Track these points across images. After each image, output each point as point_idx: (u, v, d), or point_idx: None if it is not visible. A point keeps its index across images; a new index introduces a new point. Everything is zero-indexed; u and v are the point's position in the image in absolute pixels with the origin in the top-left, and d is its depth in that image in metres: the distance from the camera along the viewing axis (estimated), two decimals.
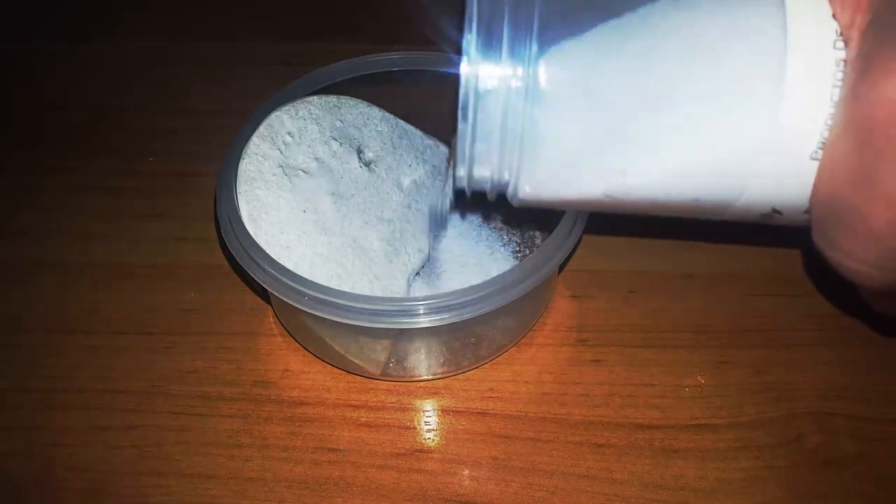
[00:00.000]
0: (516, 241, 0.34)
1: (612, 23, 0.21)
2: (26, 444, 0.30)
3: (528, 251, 0.34)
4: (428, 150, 0.35)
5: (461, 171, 0.24)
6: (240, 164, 0.29)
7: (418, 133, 0.35)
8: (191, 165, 0.40)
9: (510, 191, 0.24)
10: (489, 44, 0.22)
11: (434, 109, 0.35)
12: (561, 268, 0.32)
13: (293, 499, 0.28)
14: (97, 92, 0.45)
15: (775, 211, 0.23)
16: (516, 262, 0.27)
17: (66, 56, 0.47)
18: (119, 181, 0.39)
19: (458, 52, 0.22)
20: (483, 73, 0.22)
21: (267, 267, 0.27)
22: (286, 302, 0.27)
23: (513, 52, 0.21)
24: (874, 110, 0.18)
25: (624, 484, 0.28)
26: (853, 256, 0.20)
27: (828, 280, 0.33)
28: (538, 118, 0.22)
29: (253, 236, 0.28)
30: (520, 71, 0.21)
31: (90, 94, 0.45)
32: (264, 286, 0.27)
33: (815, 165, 0.21)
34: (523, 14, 0.21)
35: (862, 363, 0.32)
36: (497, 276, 0.26)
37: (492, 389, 0.31)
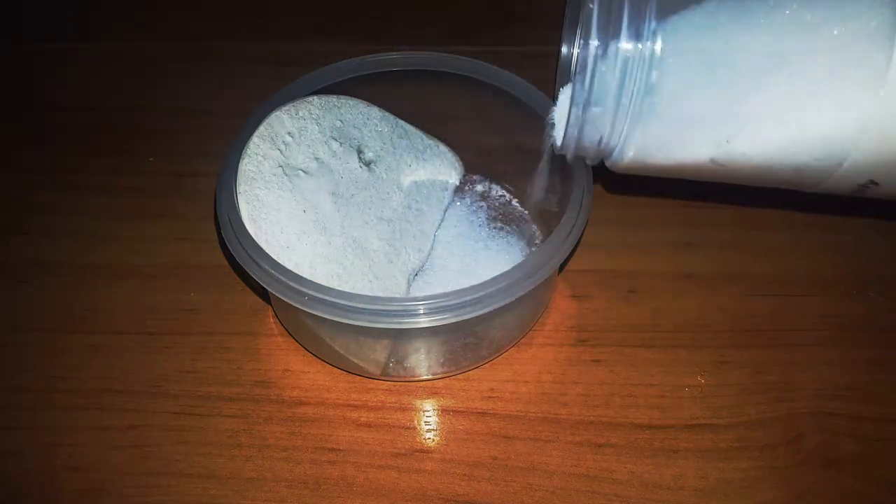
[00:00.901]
0: (516, 242, 0.34)
1: None
2: (26, 444, 0.30)
3: (528, 251, 0.34)
4: (428, 150, 0.35)
5: (572, 133, 0.24)
6: (240, 164, 0.29)
7: (418, 133, 0.35)
8: (191, 165, 0.40)
9: (615, 155, 0.25)
10: (609, 11, 0.22)
11: (434, 109, 0.35)
12: (561, 268, 0.32)
13: (293, 499, 0.28)
14: (97, 92, 0.45)
15: (872, 182, 0.24)
16: (517, 262, 0.27)
17: (66, 56, 0.47)
18: (119, 181, 0.39)
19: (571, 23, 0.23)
20: (604, 39, 0.23)
21: (267, 267, 0.27)
22: (286, 302, 0.27)
23: (632, 20, 0.22)
24: None
25: (624, 484, 0.28)
26: None
27: None
28: (654, 84, 0.22)
29: (253, 236, 0.28)
30: (639, 39, 0.22)
31: (90, 94, 0.45)
32: (264, 286, 0.27)
33: None
34: None
35: (862, 363, 0.32)
36: (497, 276, 0.26)
37: (492, 389, 0.31)
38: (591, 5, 0.23)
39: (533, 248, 0.35)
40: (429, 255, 0.33)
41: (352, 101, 0.33)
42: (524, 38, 0.47)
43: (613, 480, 0.28)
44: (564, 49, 0.23)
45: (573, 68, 0.25)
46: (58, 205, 0.38)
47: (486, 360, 0.32)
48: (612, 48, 0.22)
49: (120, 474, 0.29)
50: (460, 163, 0.36)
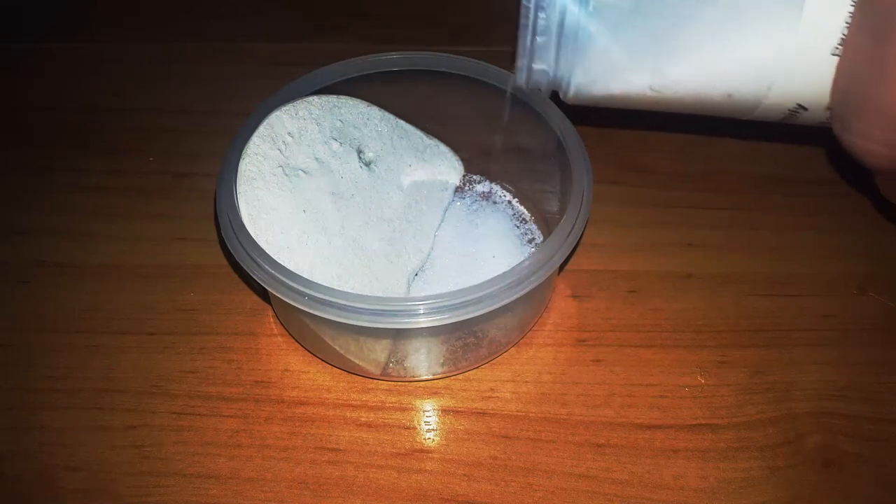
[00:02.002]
0: (516, 241, 0.34)
1: None
2: (26, 444, 0.30)
3: (528, 251, 0.34)
4: (428, 150, 0.35)
5: (522, 63, 0.27)
6: (240, 164, 0.29)
7: (418, 133, 0.35)
8: (191, 165, 0.40)
9: (563, 85, 0.27)
10: None
11: (434, 109, 0.35)
12: (561, 268, 0.32)
13: (293, 499, 0.28)
14: (97, 92, 0.45)
15: (800, 107, 0.25)
16: (517, 263, 0.27)
17: (66, 56, 0.47)
18: (119, 181, 0.39)
19: None
20: None
21: (267, 267, 0.27)
22: (286, 302, 0.27)
23: None
24: (887, 4, 0.21)
25: (624, 484, 0.28)
26: (869, 137, 0.23)
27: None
28: (592, 14, 0.24)
29: (253, 236, 0.28)
30: None
31: (90, 94, 0.45)
32: (264, 286, 0.27)
33: (835, 61, 0.23)
34: None
35: (862, 363, 0.32)
36: (497, 276, 0.26)
37: (492, 389, 0.31)
38: None
39: (533, 248, 0.35)
40: (429, 255, 0.33)
41: (352, 101, 0.33)
42: None
43: (613, 480, 0.28)
44: None
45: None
46: (58, 205, 0.38)
47: (486, 360, 0.32)
48: None
49: (119, 474, 0.29)
50: (460, 163, 0.36)
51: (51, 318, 0.34)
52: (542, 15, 0.25)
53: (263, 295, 0.34)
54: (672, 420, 0.30)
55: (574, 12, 0.25)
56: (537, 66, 0.27)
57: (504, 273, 0.26)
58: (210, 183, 0.32)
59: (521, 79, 0.28)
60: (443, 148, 0.36)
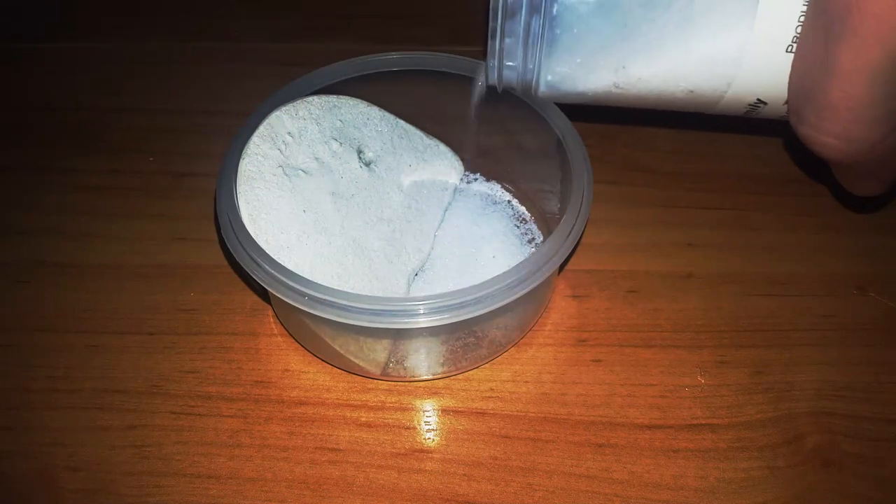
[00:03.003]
0: (516, 242, 0.34)
1: None
2: (26, 444, 0.30)
3: (528, 251, 0.34)
4: (428, 150, 0.35)
5: (492, 64, 0.28)
6: (240, 164, 0.29)
7: (418, 133, 0.35)
8: (191, 165, 0.40)
9: (534, 83, 0.28)
10: None
11: (434, 109, 0.35)
12: (561, 268, 0.32)
13: (293, 499, 0.28)
14: (97, 91, 0.45)
15: (760, 101, 0.26)
16: (517, 263, 0.27)
17: (66, 55, 0.47)
18: (119, 181, 0.39)
19: None
20: None
21: (267, 267, 0.27)
22: (286, 302, 0.27)
23: None
24: (835, 5, 0.22)
25: (624, 484, 0.28)
26: (820, 129, 0.24)
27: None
28: (556, 16, 0.25)
29: (253, 236, 0.28)
30: None
31: (89, 94, 0.45)
32: (264, 286, 0.27)
33: (790, 57, 0.24)
34: None
35: (862, 363, 0.32)
36: (497, 276, 0.26)
37: (492, 389, 0.31)
38: None
39: (533, 248, 0.35)
40: (429, 255, 0.33)
41: (352, 101, 0.33)
42: None
43: (613, 480, 0.28)
44: None
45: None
46: (58, 205, 0.38)
47: (486, 360, 0.32)
48: None
49: (119, 474, 0.29)
50: (460, 163, 0.36)
51: (51, 318, 0.34)
52: (509, 18, 0.26)
53: (263, 295, 0.34)
54: (672, 420, 0.30)
55: (539, 15, 0.25)
56: (507, 66, 0.28)
57: (504, 273, 0.26)
58: (210, 183, 0.32)
59: (492, 78, 0.29)
60: (443, 148, 0.36)
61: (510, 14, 0.26)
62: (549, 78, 0.27)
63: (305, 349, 0.32)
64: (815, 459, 0.29)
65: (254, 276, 0.27)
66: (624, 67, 0.26)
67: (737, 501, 0.28)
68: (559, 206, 0.34)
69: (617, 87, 0.27)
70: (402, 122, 0.35)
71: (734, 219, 0.37)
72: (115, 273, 0.35)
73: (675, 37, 0.25)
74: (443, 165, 0.36)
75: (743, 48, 0.24)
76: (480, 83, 0.32)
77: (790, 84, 0.25)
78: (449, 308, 0.26)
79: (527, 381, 0.31)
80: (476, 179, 0.37)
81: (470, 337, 0.30)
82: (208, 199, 0.37)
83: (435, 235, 0.34)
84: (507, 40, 0.27)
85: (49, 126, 0.43)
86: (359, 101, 0.33)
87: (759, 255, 0.36)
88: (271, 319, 0.34)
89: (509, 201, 0.36)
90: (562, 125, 0.31)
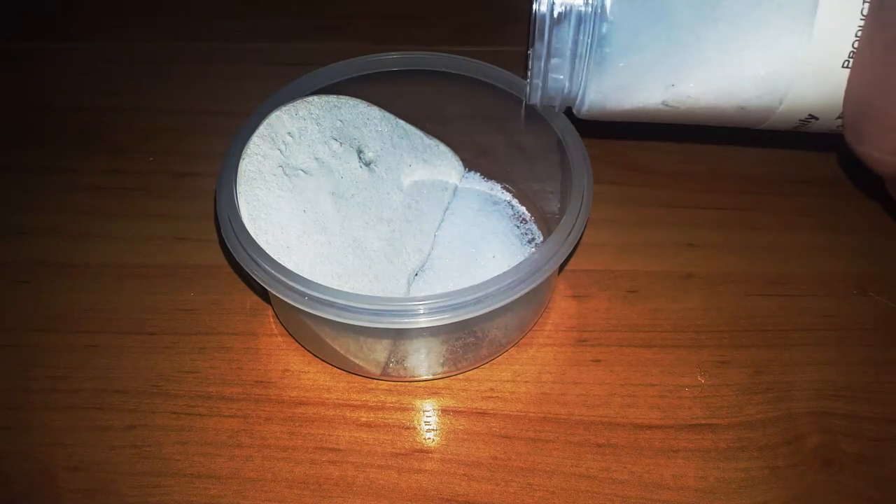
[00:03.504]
0: (516, 242, 0.34)
1: None
2: (26, 444, 0.30)
3: (528, 251, 0.34)
4: (428, 150, 0.35)
5: (536, 84, 0.27)
6: (240, 164, 0.29)
7: (418, 133, 0.35)
8: (191, 165, 0.40)
9: (577, 102, 0.27)
10: None
11: (434, 109, 0.35)
12: (561, 268, 0.32)
13: (293, 499, 0.28)
14: (96, 91, 0.45)
15: (812, 116, 0.26)
16: (517, 263, 0.27)
17: (66, 55, 0.47)
18: (119, 181, 0.39)
19: None
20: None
21: (267, 267, 0.27)
22: (286, 302, 0.27)
23: None
24: (894, 19, 0.21)
25: (624, 484, 0.28)
26: (877, 147, 0.23)
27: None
28: (605, 35, 0.25)
29: (253, 236, 0.28)
30: None
31: (89, 94, 0.45)
32: (264, 286, 0.27)
33: (846, 73, 0.24)
34: None
35: (862, 363, 0.32)
36: (497, 276, 0.26)
37: (492, 389, 0.31)
38: None
39: (533, 248, 0.35)
40: (429, 255, 0.33)
41: (352, 101, 0.33)
42: (523, 38, 0.47)
43: (613, 480, 0.28)
44: (534, 7, 0.26)
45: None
46: (58, 205, 0.38)
47: (486, 360, 0.32)
48: (566, 5, 0.25)
49: (120, 474, 0.29)
50: (460, 163, 0.36)
51: (51, 318, 0.34)
52: (556, 35, 0.26)
53: (263, 295, 0.34)
54: (672, 420, 0.30)
55: (587, 34, 0.25)
56: (551, 84, 0.27)
57: (504, 273, 0.26)
58: (210, 183, 0.32)
59: (535, 98, 0.28)
60: (443, 148, 0.36)
61: (556, 32, 0.25)
62: (594, 97, 0.27)
63: (305, 349, 0.32)
64: (815, 459, 0.29)
65: (254, 276, 0.27)
66: (673, 85, 0.25)
67: (737, 501, 0.28)
68: (559, 206, 0.34)
69: (665, 104, 0.26)
70: (402, 122, 0.35)
71: (734, 219, 0.37)
72: (115, 273, 0.35)
73: (729, 52, 0.24)
74: (443, 165, 0.36)
75: (798, 63, 0.24)
76: (525, 104, 0.31)
77: (846, 100, 0.24)
78: (449, 308, 0.26)
79: (527, 381, 0.31)
80: (476, 179, 0.37)
81: (470, 337, 0.30)
82: (208, 199, 0.37)
83: (435, 235, 0.34)
84: (553, 60, 0.26)
85: (49, 126, 0.43)
86: (359, 101, 0.33)
87: (759, 255, 0.36)
88: (271, 319, 0.34)
89: (509, 201, 0.36)
90: (562, 125, 0.31)
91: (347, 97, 0.33)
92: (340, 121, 0.33)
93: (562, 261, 0.28)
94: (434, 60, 0.34)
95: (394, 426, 0.30)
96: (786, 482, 0.28)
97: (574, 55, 0.26)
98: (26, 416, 0.30)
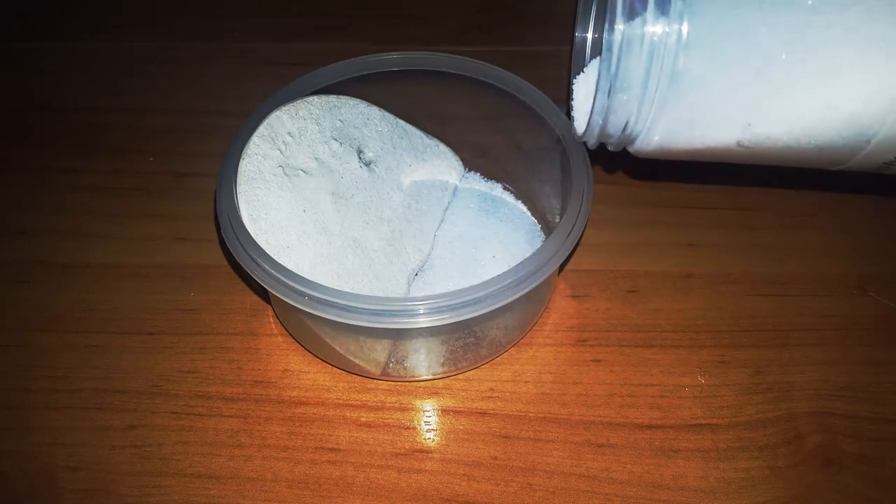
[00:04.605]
0: (516, 242, 0.34)
1: None
2: (26, 444, 0.30)
3: (528, 251, 0.34)
4: (428, 150, 0.35)
5: (597, 120, 0.24)
6: (240, 164, 0.29)
7: (418, 133, 0.35)
8: (191, 165, 0.40)
9: (639, 141, 0.24)
10: None
11: (434, 109, 0.35)
12: (561, 268, 0.32)
13: (293, 499, 0.28)
14: (96, 91, 0.45)
15: None
16: (517, 263, 0.27)
17: (66, 55, 0.47)
18: (119, 181, 0.39)
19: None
20: (630, 26, 0.22)
21: (267, 267, 0.27)
22: (286, 302, 0.27)
23: (658, 5, 0.22)
24: None
25: (624, 484, 0.28)
26: None
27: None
28: (681, 69, 0.22)
29: (253, 236, 0.28)
30: (666, 22, 0.22)
31: (89, 94, 0.45)
32: (264, 286, 0.27)
33: None
34: None
35: (862, 363, 0.32)
36: (497, 276, 0.26)
37: (492, 389, 0.31)
38: None
39: (533, 249, 0.35)
40: (429, 255, 0.33)
41: (352, 101, 0.33)
42: (523, 38, 0.47)
43: (613, 480, 0.28)
44: (579, 34, 0.23)
45: (588, 54, 0.24)
46: (58, 205, 0.38)
47: (486, 360, 0.32)
48: (637, 33, 0.22)
49: (120, 474, 0.29)
50: (460, 163, 0.36)
51: (51, 318, 0.34)
52: (626, 63, 0.22)
53: (263, 295, 0.34)
54: (672, 420, 0.30)
55: (663, 58, 0.22)
56: (613, 122, 0.24)
57: (504, 273, 0.26)
58: (210, 183, 0.32)
59: (591, 137, 0.25)
60: (443, 148, 0.36)
61: (625, 62, 0.22)
62: (659, 137, 0.24)
63: (305, 349, 0.32)
64: (815, 459, 0.29)
65: (254, 276, 0.27)
66: (750, 125, 0.23)
67: (737, 501, 0.28)
68: (559, 206, 0.34)
69: (740, 145, 0.24)
70: (402, 122, 0.35)
71: (734, 219, 0.37)
72: (115, 273, 0.35)
73: (815, 92, 0.22)
74: (443, 165, 0.36)
75: (893, 103, 0.22)
76: (570, 142, 0.29)
77: None
78: (449, 308, 0.26)
79: (527, 381, 0.31)
80: (476, 179, 0.37)
81: (470, 337, 0.30)
82: (208, 199, 0.37)
83: (435, 235, 0.34)
84: (619, 96, 0.23)
85: (49, 126, 0.43)
86: (359, 101, 0.33)
87: (759, 255, 0.36)
88: (271, 319, 0.34)
89: (509, 201, 0.36)
90: (562, 125, 0.31)
91: (347, 97, 0.33)
92: (340, 121, 0.33)
93: (562, 261, 0.28)
94: (434, 60, 0.34)
95: (394, 426, 0.30)
96: (786, 482, 0.28)
97: (644, 91, 0.23)
98: (26, 416, 0.30)
